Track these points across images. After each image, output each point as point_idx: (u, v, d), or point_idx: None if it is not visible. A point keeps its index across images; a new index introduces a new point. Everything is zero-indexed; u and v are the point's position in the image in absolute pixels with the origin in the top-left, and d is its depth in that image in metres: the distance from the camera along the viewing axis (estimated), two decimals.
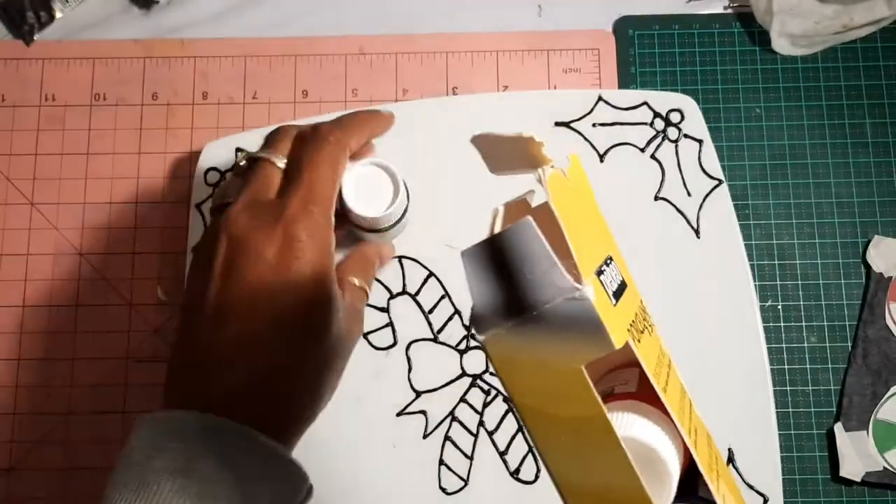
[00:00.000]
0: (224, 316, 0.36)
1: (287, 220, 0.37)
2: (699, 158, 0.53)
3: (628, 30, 0.57)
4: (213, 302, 0.37)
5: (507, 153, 0.27)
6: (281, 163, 0.40)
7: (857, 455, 0.50)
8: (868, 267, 0.53)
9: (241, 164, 0.41)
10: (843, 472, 0.50)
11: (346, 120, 0.43)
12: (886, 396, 0.51)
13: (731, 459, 0.49)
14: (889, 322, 0.52)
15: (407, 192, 0.48)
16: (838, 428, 0.51)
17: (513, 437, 0.50)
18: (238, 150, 0.41)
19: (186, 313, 0.38)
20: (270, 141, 0.41)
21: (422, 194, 0.51)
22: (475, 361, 0.51)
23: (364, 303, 0.43)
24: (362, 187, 0.47)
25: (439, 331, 0.51)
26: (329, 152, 0.40)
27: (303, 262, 0.37)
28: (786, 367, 0.52)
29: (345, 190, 0.47)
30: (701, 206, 0.52)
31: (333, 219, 0.40)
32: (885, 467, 0.50)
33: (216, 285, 0.37)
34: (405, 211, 0.49)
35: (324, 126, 0.41)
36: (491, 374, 0.51)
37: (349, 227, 0.50)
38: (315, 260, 0.38)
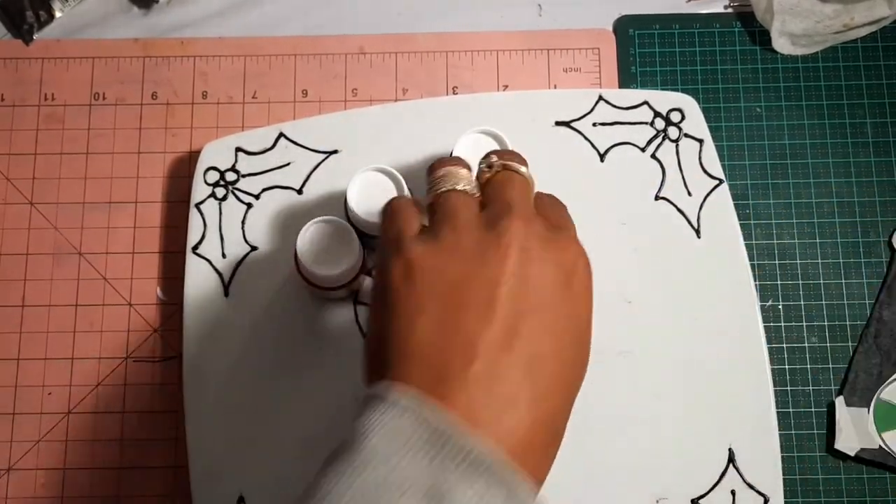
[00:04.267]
0: (514, 332, 0.31)
1: (570, 232, 0.36)
2: (700, 158, 0.53)
3: (629, 29, 0.57)
4: (503, 312, 0.31)
5: None
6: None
7: (855, 431, 0.50)
8: (893, 250, 0.53)
9: (486, 170, 0.38)
10: (838, 445, 0.50)
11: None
12: (893, 378, 0.51)
13: (731, 459, 0.49)
14: None
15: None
16: (839, 402, 0.51)
17: None
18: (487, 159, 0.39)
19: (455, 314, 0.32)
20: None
21: (421, 194, 0.50)
22: None
23: None
24: (367, 193, 0.47)
25: None
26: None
27: (583, 278, 0.34)
28: (786, 366, 0.52)
29: (350, 196, 0.47)
30: (701, 205, 0.52)
31: None
32: (880, 446, 0.50)
33: (507, 291, 0.31)
34: None
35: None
36: None
37: (356, 232, 0.50)
38: (588, 279, 0.35)
